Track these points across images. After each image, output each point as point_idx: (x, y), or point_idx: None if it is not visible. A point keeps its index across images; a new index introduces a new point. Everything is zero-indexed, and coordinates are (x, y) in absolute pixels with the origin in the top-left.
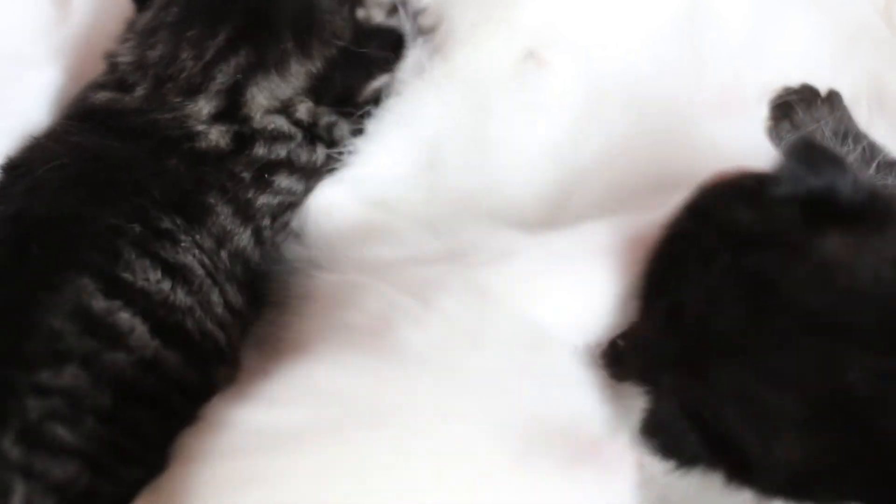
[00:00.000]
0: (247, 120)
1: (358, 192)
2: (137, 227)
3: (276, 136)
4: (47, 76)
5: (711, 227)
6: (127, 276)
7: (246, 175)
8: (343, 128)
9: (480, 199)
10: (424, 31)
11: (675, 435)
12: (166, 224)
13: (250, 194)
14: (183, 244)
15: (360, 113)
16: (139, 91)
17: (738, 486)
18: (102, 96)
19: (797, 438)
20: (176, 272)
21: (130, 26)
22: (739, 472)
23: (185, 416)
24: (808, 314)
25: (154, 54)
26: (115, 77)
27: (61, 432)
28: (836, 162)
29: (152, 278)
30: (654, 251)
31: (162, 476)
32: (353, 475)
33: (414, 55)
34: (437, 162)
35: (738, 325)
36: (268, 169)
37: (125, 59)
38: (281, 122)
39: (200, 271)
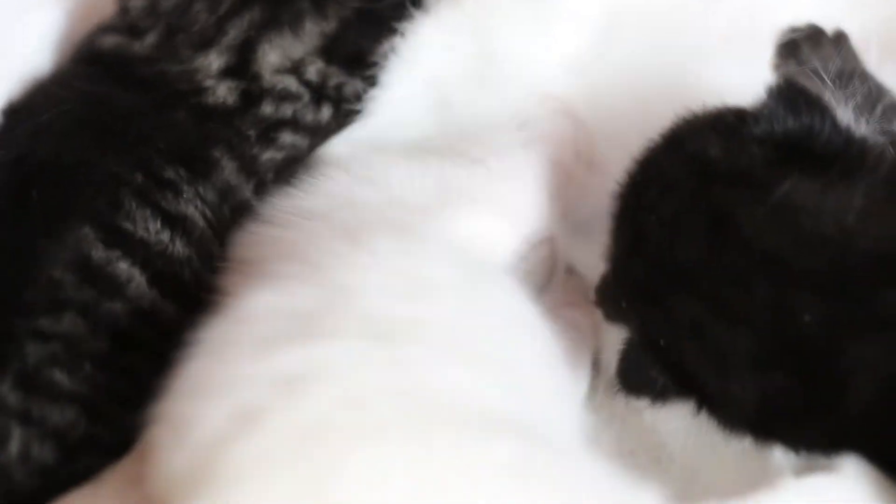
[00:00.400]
0: (256, 78)
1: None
2: (140, 177)
3: (284, 96)
4: (50, 17)
5: (680, 157)
6: (127, 225)
7: (252, 133)
8: (352, 87)
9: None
10: None
11: (641, 367)
12: (169, 174)
13: (255, 150)
14: (185, 195)
15: (370, 73)
16: (150, 38)
17: (711, 425)
18: (111, 40)
19: (751, 378)
20: (176, 223)
21: None
22: (705, 405)
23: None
24: (764, 254)
25: (168, 3)
26: (126, 21)
27: (59, 377)
28: (817, 105)
29: (152, 228)
30: (626, 178)
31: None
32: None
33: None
34: (446, 100)
35: (695, 258)
36: (273, 127)
37: (137, 2)
38: (290, 82)
39: (201, 223)
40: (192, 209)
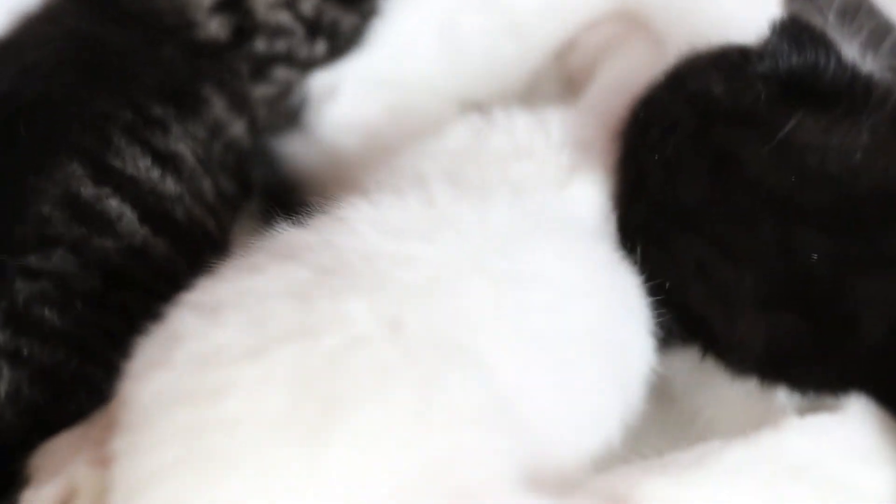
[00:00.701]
0: (249, 13)
1: (379, 82)
2: (129, 114)
3: (278, 31)
4: None
5: (683, 95)
6: (117, 163)
7: (244, 68)
8: (348, 21)
9: (501, 64)
10: None
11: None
12: (158, 112)
13: (247, 87)
14: (174, 133)
15: (366, 6)
16: None
17: (715, 366)
18: None
19: (759, 318)
20: (166, 160)
21: None
22: (711, 348)
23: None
24: (769, 192)
25: None
26: None
27: (49, 315)
28: (822, 42)
29: (142, 165)
30: (628, 117)
31: None
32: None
33: None
34: (454, 34)
35: (699, 199)
36: (267, 63)
37: None
38: (284, 17)
39: (191, 160)
40: (183, 147)
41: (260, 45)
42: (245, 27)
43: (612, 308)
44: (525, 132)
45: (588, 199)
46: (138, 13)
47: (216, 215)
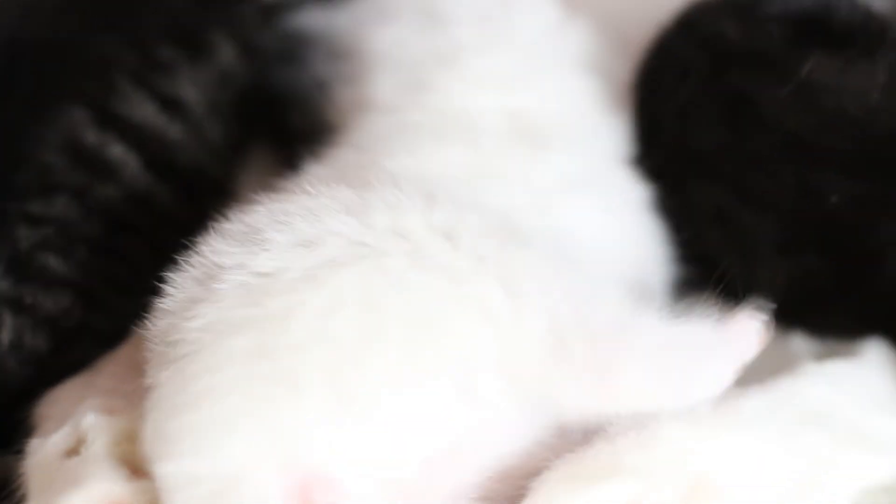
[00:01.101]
0: None
1: None
2: (134, 57)
3: None
4: None
5: (694, 41)
6: (122, 108)
7: (256, 18)
8: None
9: None
10: None
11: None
12: (165, 55)
13: (256, 38)
14: (180, 77)
15: None
16: None
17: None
18: None
19: (779, 261)
20: (173, 105)
21: None
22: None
23: (178, 249)
24: (787, 135)
25: None
26: None
27: (53, 262)
28: None
29: (148, 110)
30: (641, 61)
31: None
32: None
33: None
34: None
35: (715, 144)
36: (277, 10)
37: None
38: None
39: (198, 105)
40: (190, 91)
41: None
42: None
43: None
44: None
45: None
46: None
47: (222, 161)
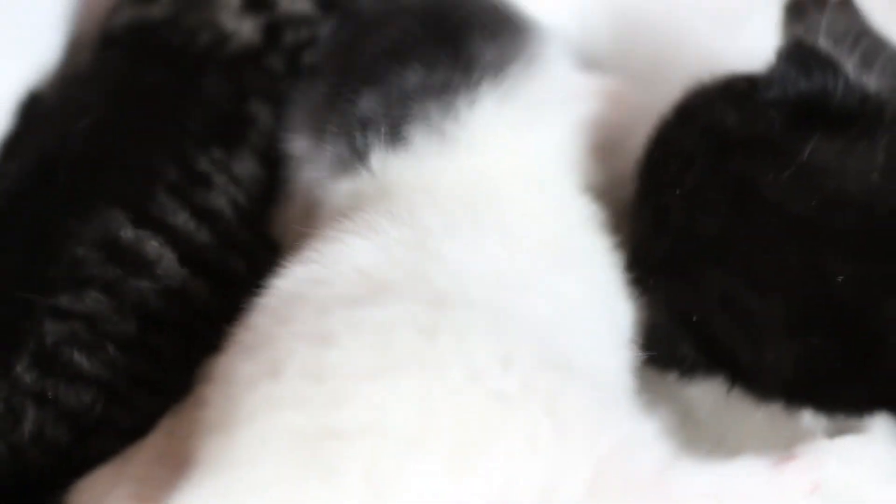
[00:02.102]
0: (273, 6)
1: None
2: (174, 172)
3: (301, 21)
4: None
5: (695, 129)
6: (157, 213)
7: (280, 66)
8: None
9: None
10: None
11: (671, 342)
12: (203, 166)
13: (284, 85)
14: (216, 187)
15: None
16: None
17: (740, 393)
18: (125, 15)
19: (787, 343)
20: (204, 216)
21: None
22: (737, 377)
23: (209, 346)
24: (791, 219)
25: None
26: None
27: (78, 358)
28: (829, 65)
29: (181, 219)
30: (643, 154)
31: (185, 400)
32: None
33: None
34: None
35: (720, 229)
36: (298, 52)
37: None
38: (304, 6)
39: (229, 212)
40: (223, 200)
41: (289, 36)
42: (273, 24)
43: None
44: None
45: None
46: (172, 42)
47: (250, 259)
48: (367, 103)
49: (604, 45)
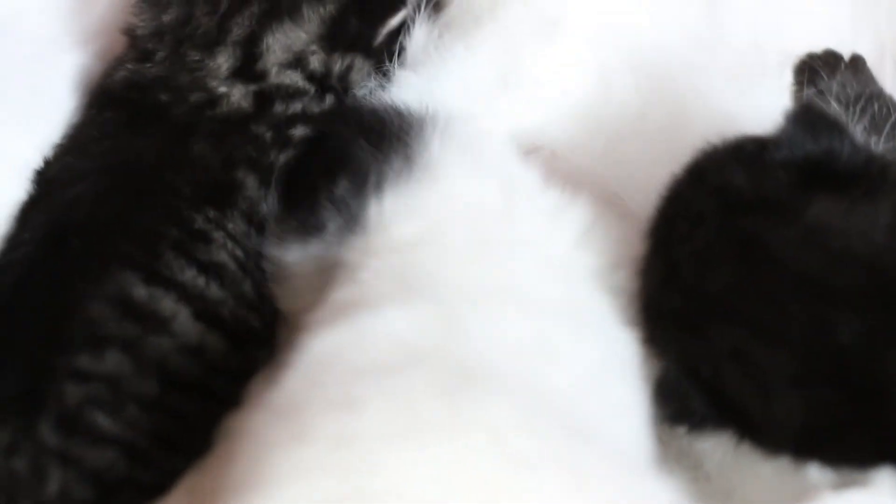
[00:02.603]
0: (263, 76)
1: None
2: (175, 231)
3: (292, 94)
4: (78, 60)
5: (706, 189)
6: (166, 272)
7: (268, 135)
8: (361, 67)
9: None
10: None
11: (681, 397)
12: (199, 224)
13: (272, 156)
14: (216, 242)
15: (375, 54)
16: (159, 56)
17: (750, 446)
18: (124, 71)
19: (795, 397)
20: (209, 271)
21: None
22: (746, 431)
23: (228, 402)
24: (798, 275)
25: (168, 17)
26: (136, 49)
27: (101, 419)
28: (835, 127)
29: (189, 275)
30: (654, 212)
31: (206, 457)
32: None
33: (424, 32)
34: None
35: (729, 285)
36: (287, 124)
37: (142, 30)
38: (296, 78)
39: (232, 266)
40: (224, 255)
41: (278, 107)
42: (264, 92)
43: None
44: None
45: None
46: (164, 101)
47: (260, 313)
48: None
49: (624, 102)
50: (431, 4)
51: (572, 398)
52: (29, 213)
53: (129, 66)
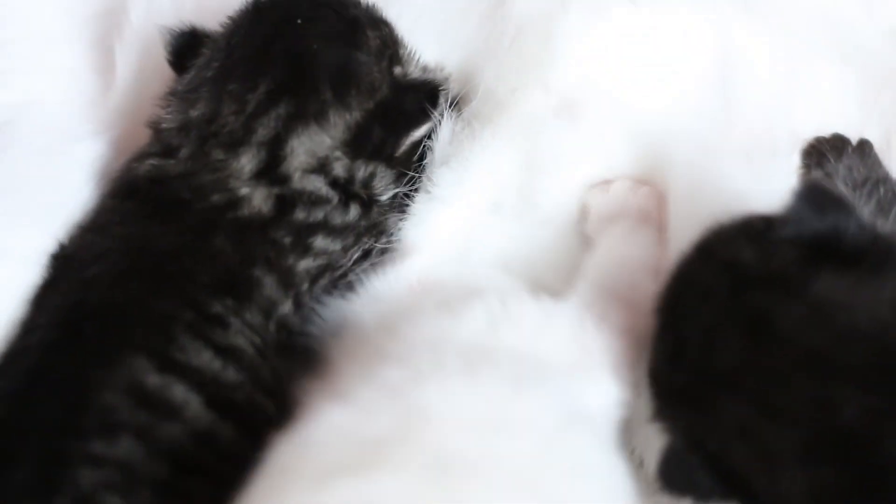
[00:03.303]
0: (286, 180)
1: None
2: (190, 314)
3: (314, 201)
4: (94, 149)
5: (714, 265)
6: (180, 356)
7: (287, 240)
8: (383, 176)
9: (529, 249)
10: (455, 99)
11: (687, 470)
12: (216, 309)
13: (291, 260)
14: (233, 327)
15: (400, 163)
16: (183, 153)
17: None
18: (146, 165)
19: (800, 473)
20: (227, 354)
21: (172, 90)
22: None
23: (237, 485)
24: (804, 352)
25: (196, 113)
26: (160, 143)
27: (116, 502)
28: (842, 205)
29: (205, 358)
30: (663, 288)
31: None
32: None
33: (448, 122)
34: (497, 204)
35: (736, 362)
36: (307, 232)
37: (168, 124)
38: (319, 185)
39: (250, 351)
40: (241, 339)
41: (300, 214)
42: (285, 197)
43: None
44: (533, 326)
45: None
46: (185, 197)
47: (276, 397)
48: None
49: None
50: (455, 103)
51: None
52: (44, 296)
53: (153, 161)
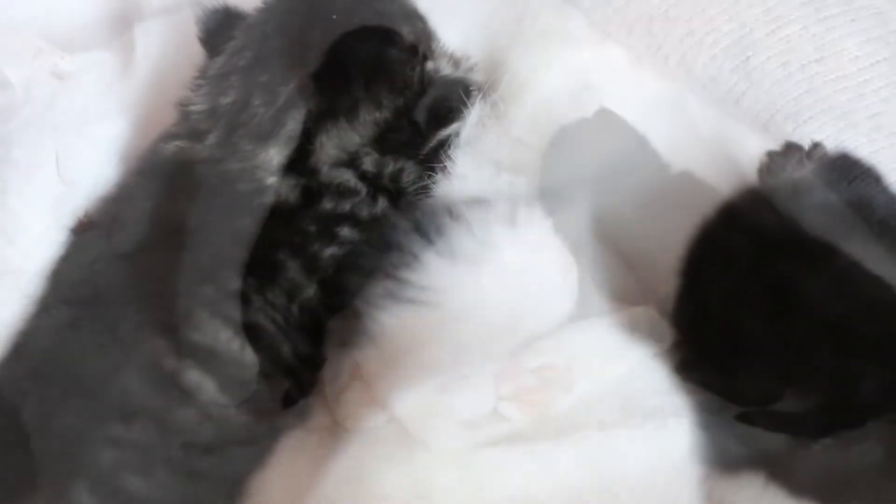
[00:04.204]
0: (314, 173)
1: None
2: (210, 290)
3: (342, 192)
4: (114, 129)
5: (738, 230)
6: (197, 336)
7: (313, 228)
8: (411, 171)
9: None
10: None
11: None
12: (238, 285)
13: (316, 247)
14: (254, 304)
15: (428, 158)
16: (210, 139)
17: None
18: (173, 146)
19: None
20: (246, 331)
21: (202, 72)
22: (775, 472)
23: (254, 464)
24: (827, 322)
25: (226, 100)
26: (188, 125)
27: (134, 482)
28: (871, 174)
29: (223, 338)
30: (685, 254)
31: None
32: None
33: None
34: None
35: (759, 330)
36: (334, 222)
37: (198, 106)
38: (347, 177)
39: (271, 328)
40: (262, 316)
41: (327, 204)
42: (312, 188)
43: None
44: None
45: None
46: (211, 182)
47: (296, 377)
48: None
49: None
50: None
51: None
52: (65, 271)
53: (179, 143)
